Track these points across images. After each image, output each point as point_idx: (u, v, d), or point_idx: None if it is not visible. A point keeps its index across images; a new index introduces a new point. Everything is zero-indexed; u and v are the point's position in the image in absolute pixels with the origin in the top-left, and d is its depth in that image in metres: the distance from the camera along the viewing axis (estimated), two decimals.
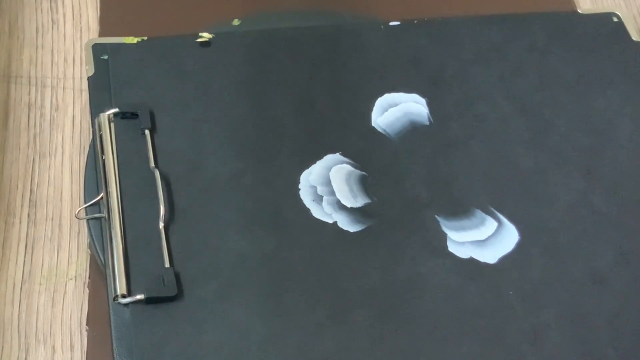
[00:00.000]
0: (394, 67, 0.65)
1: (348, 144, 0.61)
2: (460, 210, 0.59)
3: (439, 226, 0.58)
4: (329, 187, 0.59)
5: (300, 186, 0.59)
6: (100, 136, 0.60)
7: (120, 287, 0.54)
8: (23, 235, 0.60)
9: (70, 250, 0.60)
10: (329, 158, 0.61)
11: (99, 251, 0.57)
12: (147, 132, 0.60)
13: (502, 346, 0.54)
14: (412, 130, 0.62)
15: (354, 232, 0.58)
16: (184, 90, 0.63)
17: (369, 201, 0.59)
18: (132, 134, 0.60)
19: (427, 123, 0.62)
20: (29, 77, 0.67)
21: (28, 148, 0.64)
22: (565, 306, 0.56)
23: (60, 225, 0.61)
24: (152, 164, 0.59)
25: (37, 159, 0.63)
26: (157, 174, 0.58)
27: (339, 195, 0.59)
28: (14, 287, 0.58)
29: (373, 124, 0.62)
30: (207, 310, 0.54)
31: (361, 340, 0.53)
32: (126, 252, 0.55)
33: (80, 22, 0.70)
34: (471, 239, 0.58)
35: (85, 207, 0.58)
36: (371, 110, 0.63)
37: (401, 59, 0.66)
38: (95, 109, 0.61)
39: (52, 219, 0.61)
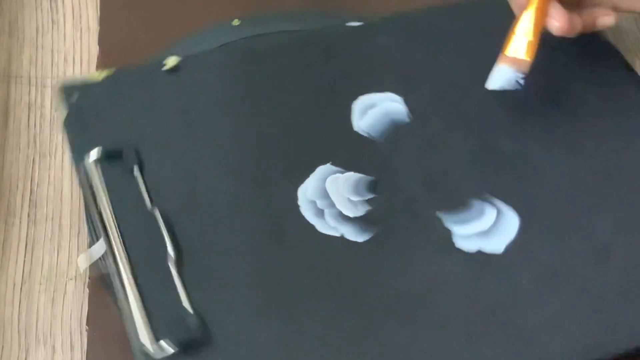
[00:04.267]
0: (362, 68, 0.65)
1: (336, 153, 0.61)
2: (458, 203, 0.59)
3: (442, 223, 0.58)
4: (328, 200, 0.59)
5: (299, 203, 0.58)
6: (90, 183, 0.58)
7: (147, 339, 0.52)
8: (23, 235, 0.60)
9: (70, 250, 0.60)
10: (321, 170, 0.60)
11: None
12: (135, 170, 0.58)
13: (526, 336, 0.54)
14: (395, 130, 0.62)
15: (362, 242, 0.57)
16: (162, 120, 0.61)
17: (370, 207, 0.59)
18: (120, 174, 0.58)
19: (408, 120, 0.62)
20: (29, 77, 0.67)
21: (28, 148, 0.64)
22: (578, 285, 0.56)
23: (60, 225, 0.60)
24: (149, 205, 0.57)
25: (37, 159, 0.63)
26: (157, 214, 0.56)
27: (339, 207, 0.58)
28: (14, 287, 0.58)
29: (355, 129, 0.62)
30: (232, 343, 0.53)
31: (392, 351, 0.53)
32: (143, 301, 0.53)
33: (80, 22, 0.70)
34: (475, 231, 0.58)
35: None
36: (350, 115, 0.62)
37: (367, 59, 0.65)
38: (78, 155, 0.59)
39: (52, 219, 0.61)
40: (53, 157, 0.63)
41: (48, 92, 0.67)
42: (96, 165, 0.58)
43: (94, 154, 0.58)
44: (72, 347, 0.56)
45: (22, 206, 0.61)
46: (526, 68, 0.58)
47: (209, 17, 0.69)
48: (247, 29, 0.68)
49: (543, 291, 0.55)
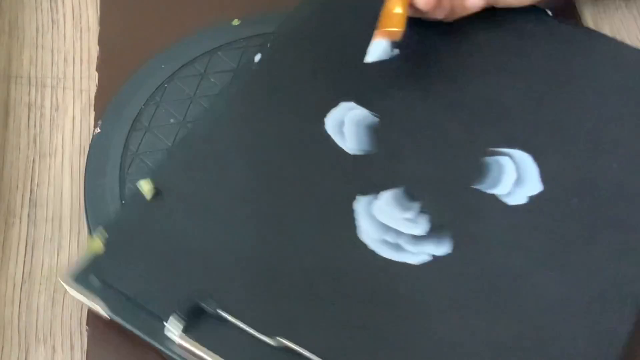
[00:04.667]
0: (304, 93, 0.63)
1: (357, 184, 0.59)
2: (479, 169, 0.60)
3: (483, 193, 0.59)
4: (393, 231, 0.57)
5: (371, 247, 0.56)
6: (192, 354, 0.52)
7: None
8: (23, 235, 0.60)
9: (70, 250, 0.60)
10: (360, 206, 0.58)
11: None
12: (223, 314, 0.53)
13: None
14: (376, 133, 0.62)
15: (453, 253, 0.56)
16: (195, 248, 0.56)
17: (428, 215, 0.58)
18: (205, 327, 0.53)
19: (377, 118, 0.62)
20: (29, 77, 0.67)
21: (28, 148, 0.64)
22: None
23: (60, 225, 0.61)
24: (268, 339, 0.52)
25: (37, 159, 0.63)
26: (284, 341, 0.52)
27: (407, 231, 0.57)
28: (14, 287, 0.58)
29: (351, 152, 0.61)
30: None
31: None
32: None
33: (80, 22, 0.70)
34: (511, 183, 0.59)
35: None
36: (333, 141, 0.61)
37: (299, 82, 0.64)
38: (156, 337, 0.53)
39: (52, 219, 0.61)
40: (53, 157, 0.63)
41: (48, 92, 0.67)
42: (183, 334, 0.53)
43: (175, 327, 0.53)
44: (72, 347, 0.56)
45: (22, 206, 0.61)
46: (398, 37, 0.61)
47: (209, 17, 0.69)
48: (247, 29, 0.68)
49: (610, 202, 0.58)
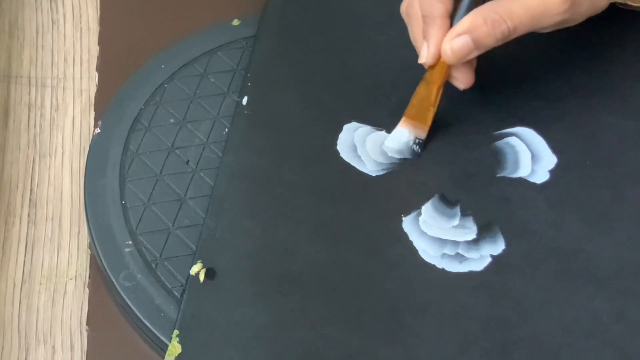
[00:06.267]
0: (303, 129, 0.61)
1: (394, 205, 0.58)
2: (495, 156, 0.60)
3: (511, 179, 0.59)
4: (449, 242, 0.56)
5: (440, 266, 0.55)
6: None
7: None
8: (23, 235, 0.60)
9: (70, 250, 0.60)
10: (409, 226, 0.57)
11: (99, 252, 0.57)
12: None
13: None
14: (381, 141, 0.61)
15: (508, 247, 0.56)
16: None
17: (471, 217, 0.57)
18: None
19: (382, 130, 0.61)
20: (29, 77, 0.67)
21: (28, 148, 0.64)
22: None
23: (60, 225, 0.61)
24: None
25: (37, 159, 0.63)
26: None
27: (461, 238, 0.57)
28: (14, 287, 0.58)
29: (374, 174, 0.59)
30: None
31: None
32: None
33: (80, 22, 0.70)
34: (528, 162, 0.59)
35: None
36: (357, 167, 0.60)
37: (293, 117, 0.62)
38: None
39: (52, 219, 0.61)
40: (53, 157, 0.63)
41: (48, 92, 0.67)
42: None
43: None
44: (72, 347, 0.56)
45: (22, 206, 0.61)
46: (423, 133, 0.59)
47: (209, 17, 0.69)
48: (247, 29, 0.68)
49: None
